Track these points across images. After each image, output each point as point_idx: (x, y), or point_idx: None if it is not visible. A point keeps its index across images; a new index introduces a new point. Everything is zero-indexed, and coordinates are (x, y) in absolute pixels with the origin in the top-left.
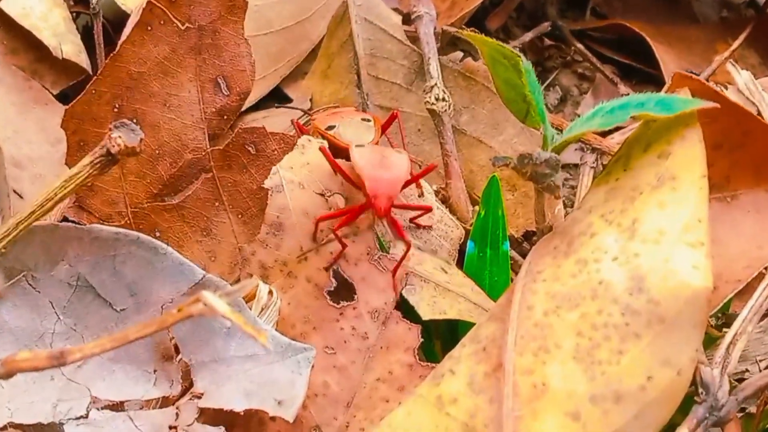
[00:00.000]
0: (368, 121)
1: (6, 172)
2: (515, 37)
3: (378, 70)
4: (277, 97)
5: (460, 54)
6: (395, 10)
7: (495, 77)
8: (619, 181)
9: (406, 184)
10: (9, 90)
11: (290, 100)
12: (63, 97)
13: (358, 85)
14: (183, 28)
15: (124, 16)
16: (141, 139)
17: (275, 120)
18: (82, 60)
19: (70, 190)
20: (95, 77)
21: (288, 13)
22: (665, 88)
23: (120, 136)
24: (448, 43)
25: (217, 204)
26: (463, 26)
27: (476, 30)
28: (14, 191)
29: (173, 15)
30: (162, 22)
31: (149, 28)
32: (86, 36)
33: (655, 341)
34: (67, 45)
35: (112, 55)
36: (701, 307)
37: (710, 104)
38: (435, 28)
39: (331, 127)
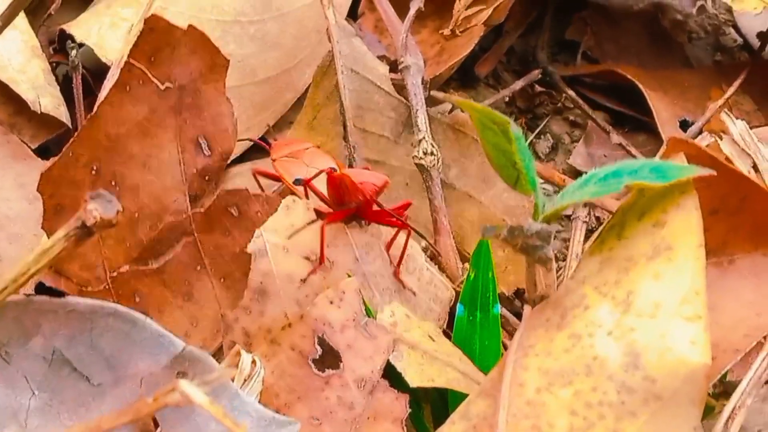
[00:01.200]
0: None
1: None
2: (505, 83)
3: (365, 122)
4: (262, 148)
5: (448, 106)
6: (382, 57)
7: (484, 142)
8: (613, 250)
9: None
10: None
11: None
12: (42, 151)
13: (344, 137)
14: (163, 88)
15: (104, 66)
16: (118, 211)
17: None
18: (62, 113)
19: (44, 264)
20: (72, 139)
21: (272, 62)
22: (660, 152)
23: (96, 208)
24: (437, 89)
25: (198, 268)
26: (450, 90)
27: (463, 81)
28: None
29: (153, 75)
30: (141, 82)
31: (128, 88)
32: (66, 86)
33: (652, 420)
34: (46, 98)
35: (89, 116)
36: (700, 384)
37: (706, 171)
38: (423, 79)
39: (297, 182)
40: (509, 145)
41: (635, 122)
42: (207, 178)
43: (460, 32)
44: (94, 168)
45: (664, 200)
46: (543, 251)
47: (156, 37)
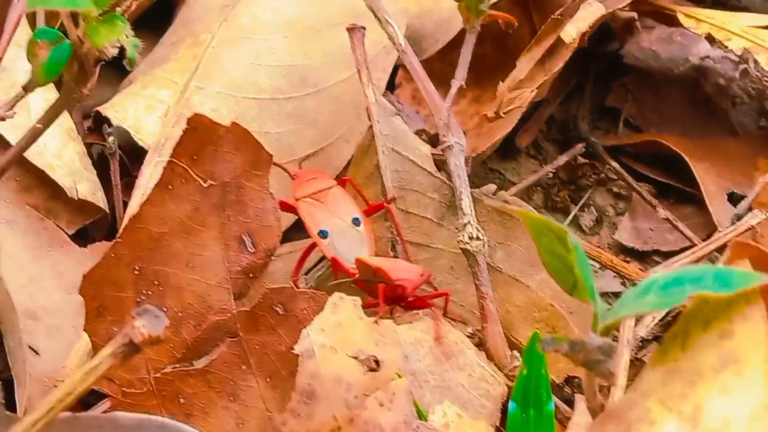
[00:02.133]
0: (357, 225)
1: (20, 325)
2: (546, 153)
3: (407, 204)
4: (302, 227)
5: (493, 187)
6: (421, 131)
7: (539, 247)
8: (678, 362)
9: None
10: (24, 233)
11: None
12: (79, 236)
13: (386, 218)
14: (206, 185)
15: (139, 146)
16: (165, 327)
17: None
18: (98, 199)
19: (90, 383)
20: (114, 241)
21: (311, 140)
22: (723, 258)
23: (143, 325)
24: (479, 165)
25: (244, 368)
26: (491, 162)
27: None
28: (29, 347)
29: (195, 173)
30: (184, 181)
31: (170, 187)
32: (101, 166)
33: None
34: (83, 183)
35: (131, 216)
36: None
37: None
38: (466, 158)
39: (323, 234)
40: (566, 252)
41: (681, 194)
42: (251, 275)
43: (504, 113)
44: (137, 268)
45: (730, 309)
46: (605, 365)
47: (199, 136)
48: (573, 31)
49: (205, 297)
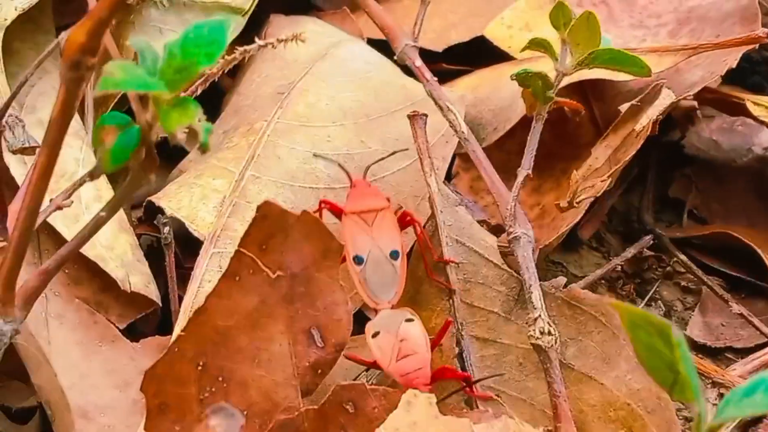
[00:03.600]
0: (395, 258)
1: (74, 425)
2: (609, 245)
3: (473, 297)
4: (361, 321)
5: (563, 280)
6: (482, 222)
7: (635, 341)
8: None
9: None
10: (74, 327)
11: None
12: (130, 330)
13: (451, 313)
14: (274, 276)
15: (192, 236)
16: (242, 427)
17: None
18: (152, 291)
19: None
20: (178, 334)
21: None
22: None
23: (219, 425)
24: (544, 258)
25: None
26: (554, 255)
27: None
28: None
29: (263, 263)
30: (251, 272)
31: (237, 278)
32: (153, 258)
33: None
34: (135, 276)
35: (196, 309)
36: None
37: None
38: (534, 250)
39: (358, 259)
40: (667, 348)
41: (753, 287)
42: (320, 371)
43: (576, 203)
44: (201, 363)
45: None
46: None
47: (268, 225)
48: (644, 119)
49: (272, 394)
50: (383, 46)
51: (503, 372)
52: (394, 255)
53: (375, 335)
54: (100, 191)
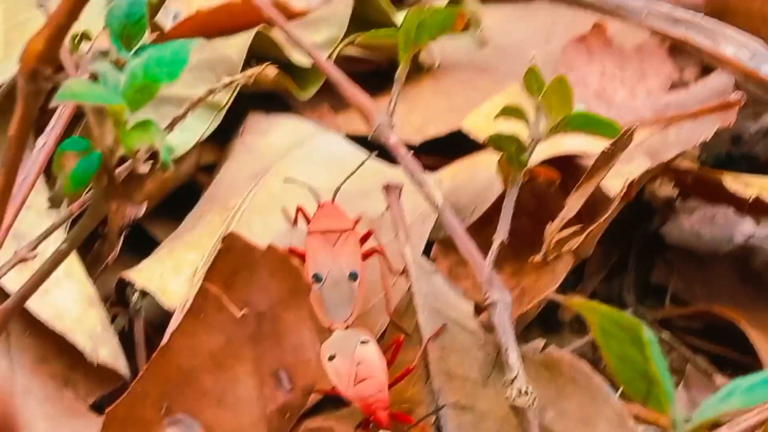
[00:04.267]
0: (354, 280)
1: None
2: (590, 329)
3: (450, 364)
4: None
5: (541, 342)
6: None
7: (607, 353)
8: None
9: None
10: (40, 402)
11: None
12: (97, 408)
13: (426, 381)
14: (240, 314)
15: (164, 318)
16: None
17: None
18: (120, 365)
19: None
20: (141, 373)
21: None
22: None
23: None
24: (523, 330)
25: None
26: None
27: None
28: None
29: (229, 301)
30: (216, 309)
31: (202, 315)
32: (124, 339)
33: None
34: (104, 348)
35: (160, 347)
36: None
37: None
38: (510, 316)
39: (317, 278)
40: (639, 354)
41: (738, 366)
42: (288, 415)
43: (551, 259)
44: (164, 406)
45: None
46: None
47: (233, 258)
48: (617, 184)
49: None
50: (363, 142)
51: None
52: (354, 276)
53: (331, 358)
54: (70, 268)
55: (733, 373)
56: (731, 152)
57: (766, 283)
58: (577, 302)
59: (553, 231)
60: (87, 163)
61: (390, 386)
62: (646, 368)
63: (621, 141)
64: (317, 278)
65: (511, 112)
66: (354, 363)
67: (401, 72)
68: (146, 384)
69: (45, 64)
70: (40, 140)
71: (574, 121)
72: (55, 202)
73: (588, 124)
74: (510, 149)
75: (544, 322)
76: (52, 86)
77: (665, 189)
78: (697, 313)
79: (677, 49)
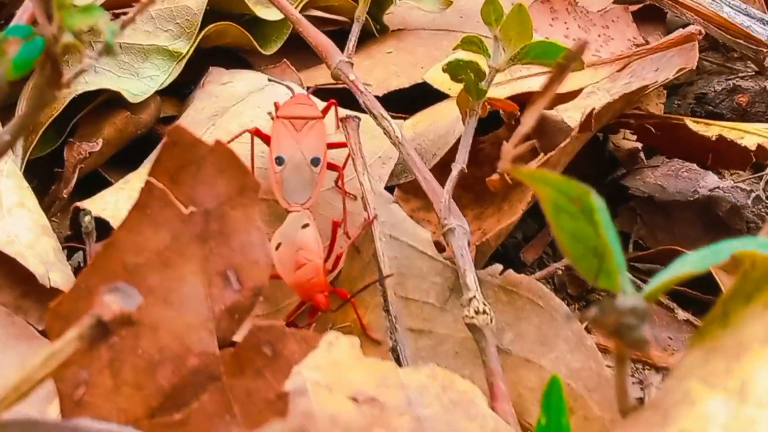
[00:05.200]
0: (316, 165)
1: None
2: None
3: (407, 290)
4: None
5: (499, 267)
6: None
7: (559, 231)
8: (719, 339)
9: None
10: None
11: None
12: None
13: (385, 308)
14: (186, 212)
15: None
16: (138, 305)
17: None
18: None
19: (51, 369)
20: (85, 268)
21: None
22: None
23: (114, 301)
24: (484, 266)
25: (228, 417)
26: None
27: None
28: None
29: (175, 197)
30: (163, 205)
31: (148, 211)
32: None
33: None
34: (56, 273)
35: (104, 242)
36: None
37: None
38: (469, 242)
39: (279, 160)
40: (590, 228)
41: (700, 303)
42: (236, 316)
43: (510, 179)
44: None
45: None
46: (639, 332)
47: (179, 153)
48: (576, 114)
49: (185, 338)
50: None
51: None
52: (315, 162)
53: (277, 247)
54: (23, 199)
55: (696, 311)
56: (695, 110)
57: (731, 228)
58: (526, 171)
59: (509, 148)
60: (29, 47)
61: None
62: (597, 242)
63: (575, 52)
64: (279, 160)
65: (469, 43)
66: (294, 249)
67: (360, 11)
68: (90, 279)
69: None
70: None
71: (534, 49)
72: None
73: (547, 52)
74: (469, 77)
75: (506, 265)
76: None
77: (629, 142)
78: (659, 255)
79: (641, 17)
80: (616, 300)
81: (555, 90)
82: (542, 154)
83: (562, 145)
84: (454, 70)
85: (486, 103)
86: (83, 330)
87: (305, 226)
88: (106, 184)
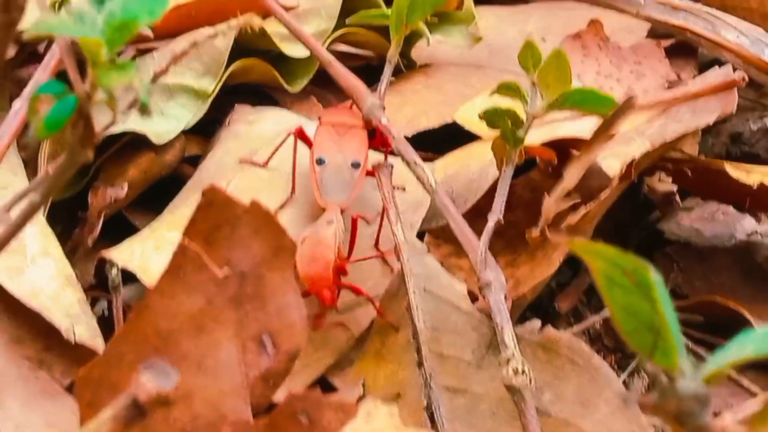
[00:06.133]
0: (356, 168)
1: None
2: (587, 321)
3: (442, 346)
4: (321, 388)
5: (537, 323)
6: None
7: (612, 304)
8: None
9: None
10: (13, 382)
11: (336, 390)
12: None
13: (419, 364)
14: (221, 274)
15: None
16: (176, 384)
17: None
18: (98, 345)
19: None
20: (116, 334)
21: None
22: None
23: (150, 380)
24: (518, 320)
25: None
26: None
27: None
28: None
29: (209, 259)
30: (196, 268)
31: (182, 274)
32: (102, 325)
33: None
34: (81, 327)
35: (136, 307)
36: None
37: None
38: (506, 296)
39: (319, 160)
40: (645, 302)
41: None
42: (271, 382)
43: (551, 233)
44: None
45: None
46: (700, 418)
47: (214, 213)
48: (616, 163)
49: (219, 405)
50: None
51: None
52: (355, 165)
53: (303, 242)
54: (47, 247)
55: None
56: (730, 151)
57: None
58: (579, 243)
59: (551, 203)
60: (62, 106)
61: (340, 267)
62: (653, 317)
63: (622, 108)
64: (320, 161)
65: (506, 89)
66: (316, 243)
67: (392, 54)
68: (121, 346)
69: None
70: (16, 104)
71: (572, 97)
72: (28, 149)
73: (587, 100)
74: (505, 125)
75: (540, 314)
76: None
77: (664, 184)
78: (698, 306)
79: (674, 53)
80: (676, 384)
81: (601, 147)
82: (582, 207)
83: (602, 197)
84: (491, 117)
85: (522, 151)
86: (118, 411)
87: (330, 222)
88: (130, 226)
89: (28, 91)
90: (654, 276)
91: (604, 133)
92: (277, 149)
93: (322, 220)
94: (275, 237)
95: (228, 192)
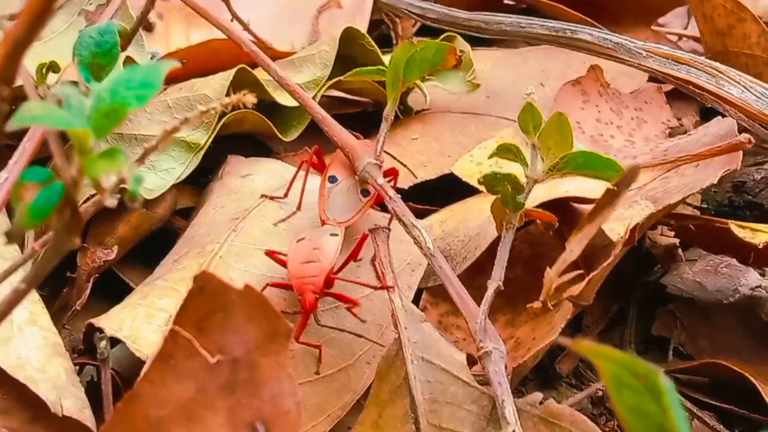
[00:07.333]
0: (366, 196)
1: None
2: (588, 382)
3: (441, 418)
4: None
5: (539, 396)
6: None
7: (620, 405)
8: None
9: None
10: None
11: None
12: None
13: None
14: (213, 361)
15: (135, 369)
16: None
17: None
18: (86, 417)
19: None
20: (105, 425)
21: (329, 359)
22: None
23: None
24: (519, 384)
25: None
26: (528, 389)
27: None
28: None
29: (201, 346)
30: (187, 355)
31: (172, 361)
32: (91, 392)
33: None
34: (69, 399)
35: (126, 396)
36: None
37: None
38: (506, 367)
39: (331, 178)
40: (655, 405)
41: (747, 422)
42: None
43: (551, 305)
44: None
45: None
46: None
47: (206, 300)
48: (620, 228)
49: None
50: None
51: None
52: (365, 193)
53: (299, 240)
54: (35, 314)
55: (744, 431)
56: (733, 200)
57: None
58: (587, 347)
59: (553, 275)
60: (48, 194)
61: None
62: (663, 421)
63: (626, 178)
64: (332, 179)
65: (505, 151)
66: (312, 247)
67: (389, 111)
68: None
69: (2, 84)
70: (2, 175)
71: (574, 160)
72: (12, 237)
73: (589, 164)
74: (506, 190)
75: (541, 376)
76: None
77: (666, 238)
78: (703, 368)
79: (675, 97)
80: None
81: (605, 217)
82: (583, 279)
83: (605, 264)
84: (490, 183)
85: (522, 214)
86: None
87: (334, 234)
88: (120, 282)
89: (13, 163)
90: (664, 381)
91: (608, 204)
92: (293, 180)
93: (324, 229)
94: (269, 321)
95: (220, 277)
